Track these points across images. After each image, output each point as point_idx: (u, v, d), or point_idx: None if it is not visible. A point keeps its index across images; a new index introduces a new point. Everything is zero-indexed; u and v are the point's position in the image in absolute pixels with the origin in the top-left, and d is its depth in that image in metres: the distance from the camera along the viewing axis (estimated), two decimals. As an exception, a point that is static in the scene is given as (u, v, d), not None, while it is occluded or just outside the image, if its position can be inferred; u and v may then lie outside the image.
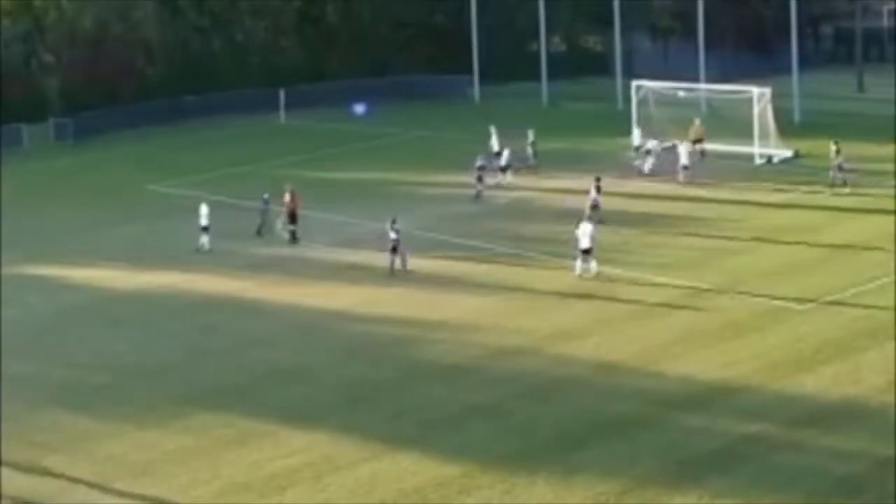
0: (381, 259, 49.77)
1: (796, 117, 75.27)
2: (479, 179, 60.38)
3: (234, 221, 55.87)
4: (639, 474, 31.58)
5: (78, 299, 47.96)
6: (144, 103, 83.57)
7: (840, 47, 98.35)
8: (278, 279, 49.21)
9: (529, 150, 65.57)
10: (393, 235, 48.61)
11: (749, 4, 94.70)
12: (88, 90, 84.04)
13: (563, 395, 36.81)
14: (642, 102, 68.65)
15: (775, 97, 66.57)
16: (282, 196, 54.83)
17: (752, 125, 65.03)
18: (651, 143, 64.45)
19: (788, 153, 66.11)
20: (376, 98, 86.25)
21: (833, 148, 59.58)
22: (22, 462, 33.51)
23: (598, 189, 54.99)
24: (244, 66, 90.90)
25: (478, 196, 60.10)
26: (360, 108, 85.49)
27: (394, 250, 48.60)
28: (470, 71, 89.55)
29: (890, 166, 62.19)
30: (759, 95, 65.34)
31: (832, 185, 58.81)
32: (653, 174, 63.07)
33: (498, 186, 61.57)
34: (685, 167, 61.78)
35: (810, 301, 43.77)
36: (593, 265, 47.21)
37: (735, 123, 65.69)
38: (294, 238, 54.13)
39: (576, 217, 51.69)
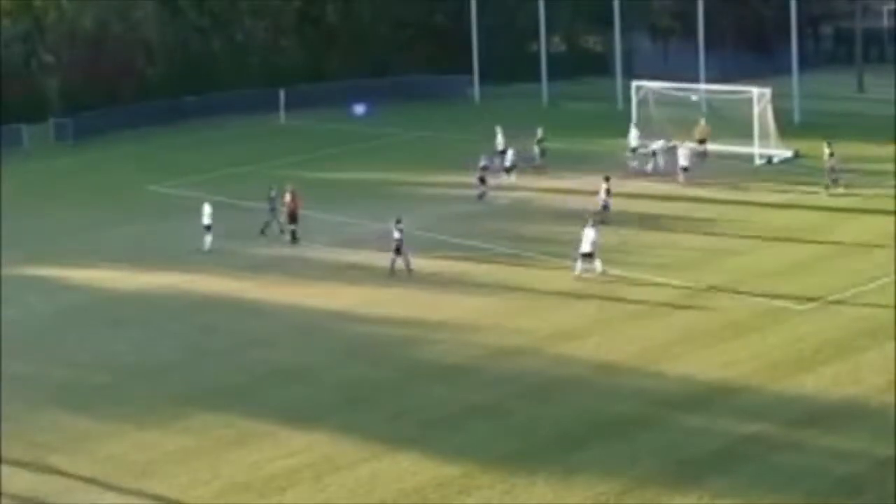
0: (381, 259, 49.77)
1: (796, 118, 75.30)
2: (482, 180, 60.23)
3: (235, 221, 55.87)
4: (639, 474, 31.58)
5: (78, 299, 47.96)
6: (144, 103, 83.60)
7: (840, 47, 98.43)
8: (278, 279, 49.21)
9: (536, 149, 65.53)
10: (397, 235, 48.57)
11: (749, 4, 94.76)
12: (88, 90, 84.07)
13: (563, 395, 36.80)
14: (642, 103, 68.68)
15: (775, 97, 66.60)
16: (282, 196, 54.83)
17: (752, 125, 65.06)
18: (657, 145, 64.41)
19: (788, 153, 66.14)
20: (376, 98, 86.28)
21: (826, 150, 59.52)
22: (22, 462, 33.50)
23: (608, 191, 54.93)
24: (244, 67, 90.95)
25: (481, 197, 59.93)
26: (360, 109, 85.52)
27: (397, 251, 48.53)
28: (470, 71, 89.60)
29: (890, 166, 62.22)
30: (759, 96, 65.36)
31: (826, 187, 58.77)
32: (654, 174, 63.09)
33: (500, 187, 61.42)
34: (685, 168, 61.78)
35: (810, 301, 43.78)
36: (597, 264, 47.21)
37: (735, 124, 65.71)
38: (294, 238, 54.12)
39: (575, 217, 51.78)
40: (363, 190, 63.55)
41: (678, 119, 66.93)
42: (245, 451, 33.77)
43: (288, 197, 54.41)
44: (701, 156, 65.56)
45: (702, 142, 66.11)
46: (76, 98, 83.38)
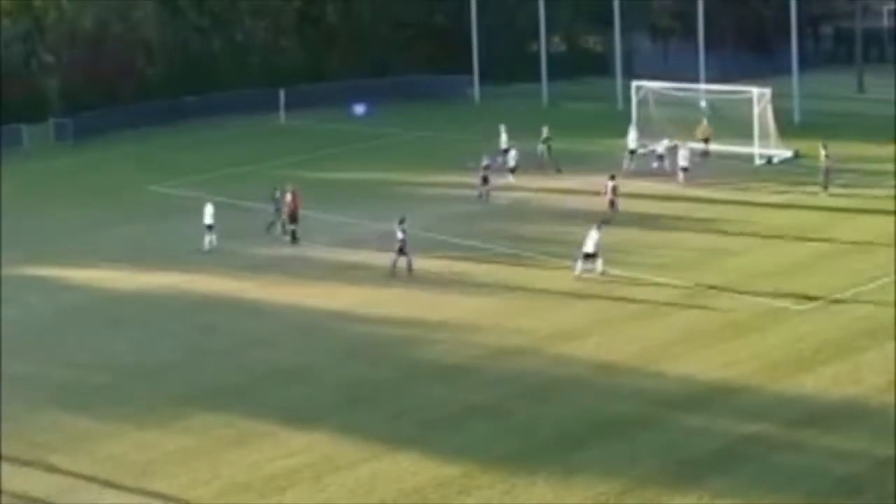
0: (382, 259, 49.78)
1: (796, 118, 75.31)
2: (485, 180, 60.08)
3: (234, 221, 55.85)
4: (639, 474, 31.58)
5: (78, 299, 47.95)
6: (144, 103, 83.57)
7: (840, 47, 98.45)
8: (278, 279, 49.21)
9: (542, 148, 65.45)
10: (400, 235, 48.54)
11: (749, 4, 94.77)
12: (88, 90, 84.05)
13: (563, 396, 36.81)
14: (642, 103, 68.68)
15: (775, 97, 66.60)
16: (283, 196, 54.83)
17: (752, 125, 65.06)
18: (661, 145, 64.33)
19: (788, 153, 66.13)
20: (376, 98, 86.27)
21: (822, 152, 59.46)
22: (23, 461, 33.50)
23: (615, 189, 54.95)
24: (244, 67, 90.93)
25: (482, 197, 59.68)
26: (360, 109, 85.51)
27: (400, 251, 48.48)
28: (470, 71, 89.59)
29: (890, 166, 62.23)
30: (759, 96, 65.36)
31: (825, 188, 58.71)
32: (658, 174, 63.10)
33: (500, 187, 61.25)
34: (685, 169, 61.76)
35: (810, 301, 43.78)
36: (598, 264, 47.19)
37: (735, 124, 65.70)
38: (294, 238, 54.12)
39: (575, 217, 51.75)
40: (363, 190, 63.55)
41: (678, 119, 66.92)
42: (245, 451, 33.77)
43: (288, 197, 54.40)
44: (704, 155, 65.53)
45: (706, 141, 66.10)
46: (76, 98, 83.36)
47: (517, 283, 47.44)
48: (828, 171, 58.88)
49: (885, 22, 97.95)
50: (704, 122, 67.20)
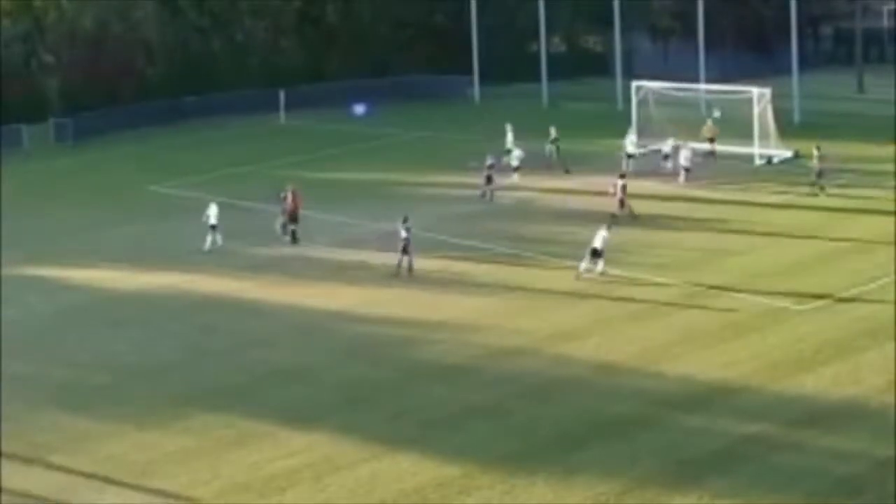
0: (382, 259, 49.82)
1: (796, 118, 75.32)
2: (489, 180, 59.94)
3: (234, 221, 55.79)
4: (639, 475, 31.59)
5: (78, 299, 47.95)
6: (144, 104, 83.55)
7: (840, 48, 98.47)
8: (278, 279, 49.21)
9: (550, 149, 65.40)
10: (403, 234, 48.54)
11: (749, 4, 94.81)
12: (88, 90, 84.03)
13: (563, 396, 36.81)
14: (642, 103, 68.68)
15: (775, 98, 66.61)
16: (283, 196, 54.84)
17: (752, 126, 65.06)
18: (668, 144, 64.28)
19: (788, 154, 66.12)
20: (376, 98, 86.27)
21: (816, 154, 59.40)
22: (22, 461, 33.51)
23: (624, 188, 54.96)
24: (244, 67, 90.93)
25: (486, 196, 59.43)
26: (360, 109, 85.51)
27: (404, 250, 48.50)
28: (470, 71, 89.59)
29: (890, 166, 62.23)
30: (758, 96, 65.37)
31: (822, 188, 58.70)
32: (663, 174, 63.13)
33: (500, 187, 61.13)
34: (686, 169, 61.73)
35: (810, 301, 43.79)
36: (600, 264, 47.20)
37: (735, 124, 65.69)
38: (294, 238, 54.11)
39: (575, 217, 51.72)
40: (363, 190, 63.55)
41: (678, 119, 66.91)
42: (245, 451, 33.77)
43: (289, 197, 54.39)
44: (709, 155, 65.36)
45: (711, 140, 65.99)
46: (76, 98, 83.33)
47: (517, 283, 47.44)
48: (821, 173, 58.81)
49: (885, 22, 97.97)
50: (710, 121, 67.09)
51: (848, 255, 49.27)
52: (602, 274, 47.08)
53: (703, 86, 74.41)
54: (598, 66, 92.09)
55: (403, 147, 75.24)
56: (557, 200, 59.74)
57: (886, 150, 65.52)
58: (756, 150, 65.39)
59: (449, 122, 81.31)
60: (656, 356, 39.36)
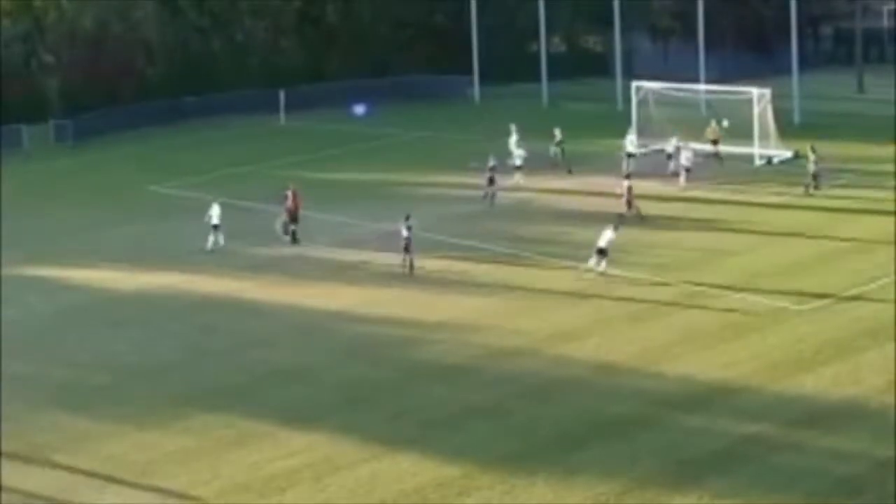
0: (382, 259, 49.86)
1: (796, 118, 75.31)
2: (491, 181, 59.78)
3: (234, 222, 55.77)
4: (639, 475, 31.59)
5: (78, 300, 47.95)
6: (144, 104, 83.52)
7: (840, 48, 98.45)
8: (278, 279, 49.21)
9: (554, 150, 65.35)
10: (405, 233, 48.55)
11: (749, 4, 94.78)
12: (88, 91, 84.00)
13: (563, 396, 36.81)
14: (642, 103, 68.67)
15: (775, 98, 66.61)
16: (280, 197, 54.83)
17: (752, 126, 65.05)
18: (671, 144, 64.20)
19: (788, 154, 66.08)
20: (376, 98, 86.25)
21: (811, 156, 59.34)
22: (22, 460, 33.52)
23: (630, 189, 54.95)
24: (244, 67, 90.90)
25: (488, 197, 59.11)
26: (360, 109, 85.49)
27: (406, 249, 48.51)
28: (470, 71, 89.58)
29: (890, 166, 62.23)
30: (758, 96, 65.36)
31: (816, 188, 58.69)
32: (655, 174, 63.13)
33: (501, 187, 60.97)
34: (687, 169, 61.68)
35: (810, 301, 43.79)
36: (602, 264, 47.20)
37: (735, 124, 65.66)
38: (294, 238, 54.11)
39: (574, 217, 51.65)
40: (363, 190, 63.54)
41: (678, 119, 66.88)
42: (245, 451, 33.77)
43: (289, 197, 54.37)
44: (714, 157, 65.22)
45: (715, 142, 65.90)
46: (76, 98, 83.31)
47: (517, 283, 47.44)
48: (816, 175, 58.78)
49: (885, 22, 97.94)
50: (713, 123, 66.90)
51: (848, 255, 49.27)
52: (602, 274, 47.09)
53: (703, 86, 74.39)
54: (598, 66, 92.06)
55: (403, 147, 75.24)
56: (557, 200, 59.70)
57: (886, 150, 65.52)
58: (756, 150, 65.37)
59: (449, 122, 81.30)
60: (656, 356, 39.37)
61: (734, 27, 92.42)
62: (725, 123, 65.71)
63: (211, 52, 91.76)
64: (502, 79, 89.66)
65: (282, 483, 31.92)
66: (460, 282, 48.04)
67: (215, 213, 53.41)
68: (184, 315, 45.59)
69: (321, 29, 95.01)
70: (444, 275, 48.85)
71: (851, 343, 39.83)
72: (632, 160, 64.07)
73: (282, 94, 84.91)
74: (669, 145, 64.28)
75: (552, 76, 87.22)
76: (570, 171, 64.27)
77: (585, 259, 48.11)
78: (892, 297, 43.42)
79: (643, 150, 65.71)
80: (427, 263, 49.43)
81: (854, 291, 44.59)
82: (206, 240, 53.17)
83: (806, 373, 37.63)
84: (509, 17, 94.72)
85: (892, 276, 45.66)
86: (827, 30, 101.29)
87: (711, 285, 45.99)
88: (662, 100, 68.30)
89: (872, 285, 45.16)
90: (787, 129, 68.25)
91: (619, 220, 50.17)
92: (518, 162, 63.00)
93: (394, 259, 49.11)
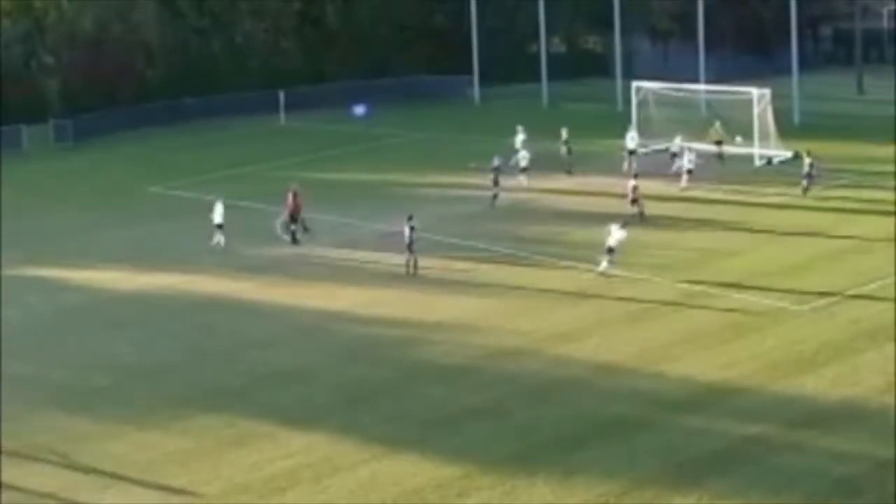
0: (382, 259, 49.85)
1: (796, 118, 75.33)
2: (496, 182, 59.62)
3: (235, 222, 55.78)
4: (638, 475, 31.59)
5: (78, 300, 47.96)
6: (144, 105, 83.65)
7: (840, 49, 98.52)
8: (278, 280, 49.22)
9: (563, 150, 65.30)
10: (408, 233, 48.54)
11: (749, 5, 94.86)
12: (88, 91, 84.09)
13: (563, 396, 36.81)
14: (642, 104, 68.69)
15: (775, 98, 66.64)
16: (284, 196, 54.85)
17: (751, 126, 65.06)
18: (675, 144, 64.18)
19: (788, 154, 66.10)
20: (376, 99, 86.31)
21: (807, 160, 59.29)
22: (22, 459, 33.54)
23: (636, 188, 54.94)
24: (244, 68, 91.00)
25: (494, 198, 59.11)
26: (360, 110, 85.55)
27: (410, 249, 48.51)
28: (470, 72, 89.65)
29: (890, 166, 62.25)
30: (758, 97, 65.40)
31: (806, 189, 58.69)
32: (655, 174, 63.12)
33: (502, 188, 60.91)
34: (689, 171, 61.60)
35: (810, 301, 43.79)
36: (604, 263, 47.18)
37: (735, 125, 65.68)
38: (295, 239, 54.13)
39: (574, 218, 51.59)
40: (363, 191, 63.57)
41: (678, 120, 66.92)
42: (245, 451, 33.78)
43: (289, 197, 54.38)
44: (717, 157, 65.24)
45: (718, 143, 65.85)
46: (76, 99, 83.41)
47: (517, 283, 47.44)
48: (810, 176, 58.74)
49: (885, 23, 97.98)
50: (717, 124, 66.80)
51: (848, 255, 49.27)
52: (602, 274, 47.10)
53: (702, 86, 74.44)
54: (598, 66, 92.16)
55: (403, 147, 75.26)
56: (557, 201, 59.70)
57: (886, 151, 65.53)
58: (756, 150, 65.38)
59: (449, 122, 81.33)
60: (656, 357, 39.36)
61: (734, 28, 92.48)
62: (738, 139, 65.48)
63: (211, 53, 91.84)
64: (502, 79, 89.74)
65: (282, 483, 31.92)
66: (460, 282, 48.05)
67: (218, 211, 53.44)
68: (184, 315, 45.61)
69: (321, 30, 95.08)
70: (444, 275, 48.87)
71: (851, 344, 39.81)
72: (634, 158, 64.08)
73: (282, 95, 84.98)
74: (674, 145, 64.25)
75: (552, 77, 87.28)
76: (569, 172, 64.25)
77: (585, 259, 48.16)
78: (892, 297, 43.42)
79: (644, 150, 65.65)
80: (427, 263, 49.41)
81: (854, 291, 44.58)
82: (209, 238, 53.15)
83: (806, 373, 37.62)
84: (509, 18, 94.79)
85: (892, 277, 45.65)
86: (826, 30, 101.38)
87: (711, 285, 45.99)
88: (662, 100, 68.34)
89: (872, 285, 45.15)
90: (786, 129, 68.28)
91: (629, 220, 49.98)
92: (523, 163, 62.83)
93: (394, 259, 49.14)
